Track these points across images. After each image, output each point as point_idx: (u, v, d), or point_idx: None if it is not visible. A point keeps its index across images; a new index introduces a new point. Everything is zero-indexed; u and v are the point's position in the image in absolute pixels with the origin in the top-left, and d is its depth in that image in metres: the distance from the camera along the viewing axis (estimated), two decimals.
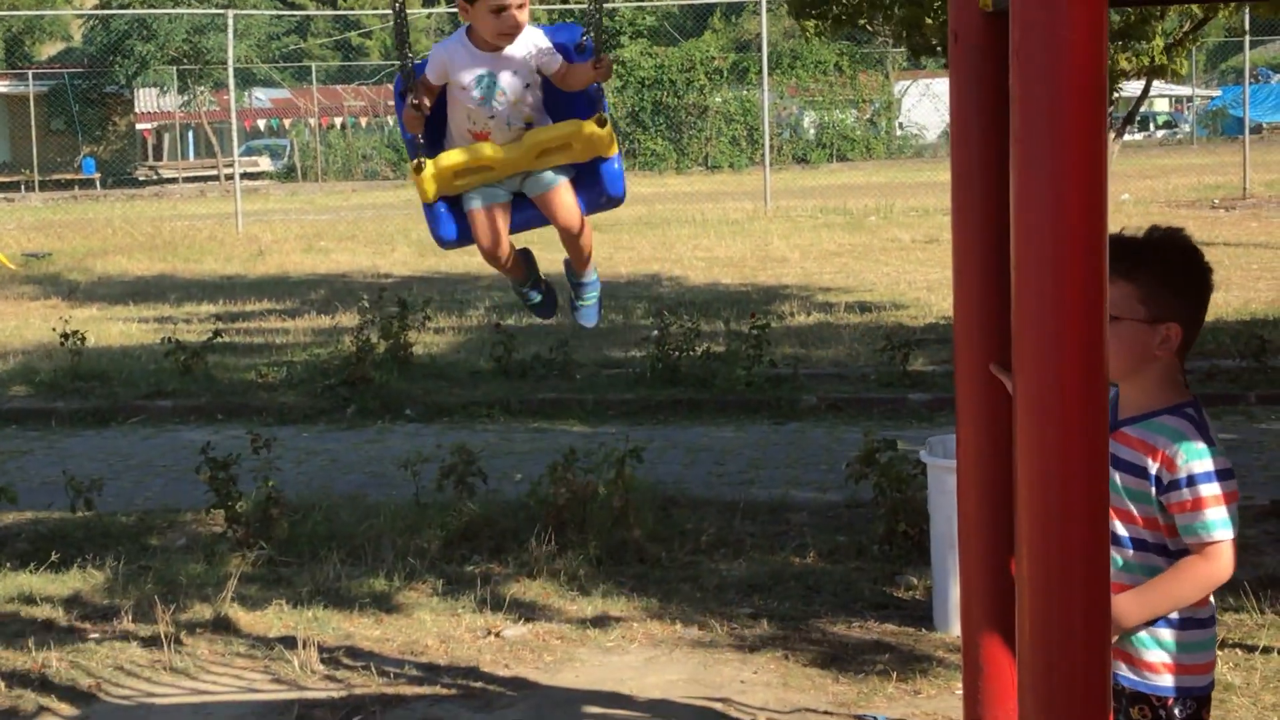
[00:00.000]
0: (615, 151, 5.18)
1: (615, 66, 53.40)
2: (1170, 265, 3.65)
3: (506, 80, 4.97)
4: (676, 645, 6.55)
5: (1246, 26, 31.26)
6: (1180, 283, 3.65)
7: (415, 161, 4.99)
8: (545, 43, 5.02)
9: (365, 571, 7.60)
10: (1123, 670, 3.68)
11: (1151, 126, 59.56)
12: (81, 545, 8.18)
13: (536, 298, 5.63)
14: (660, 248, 23.41)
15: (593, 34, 4.99)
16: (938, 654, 6.26)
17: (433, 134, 5.08)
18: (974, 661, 4.21)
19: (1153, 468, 3.56)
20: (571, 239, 5.25)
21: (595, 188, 5.20)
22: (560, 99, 5.12)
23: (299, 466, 10.40)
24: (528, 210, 5.20)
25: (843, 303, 16.75)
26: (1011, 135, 2.95)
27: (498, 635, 6.71)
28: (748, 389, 12.21)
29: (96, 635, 6.84)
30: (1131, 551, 3.64)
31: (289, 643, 6.60)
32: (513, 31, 4.90)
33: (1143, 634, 3.65)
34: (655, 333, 13.08)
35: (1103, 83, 2.87)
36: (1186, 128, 58.29)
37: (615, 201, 5.27)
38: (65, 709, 6.03)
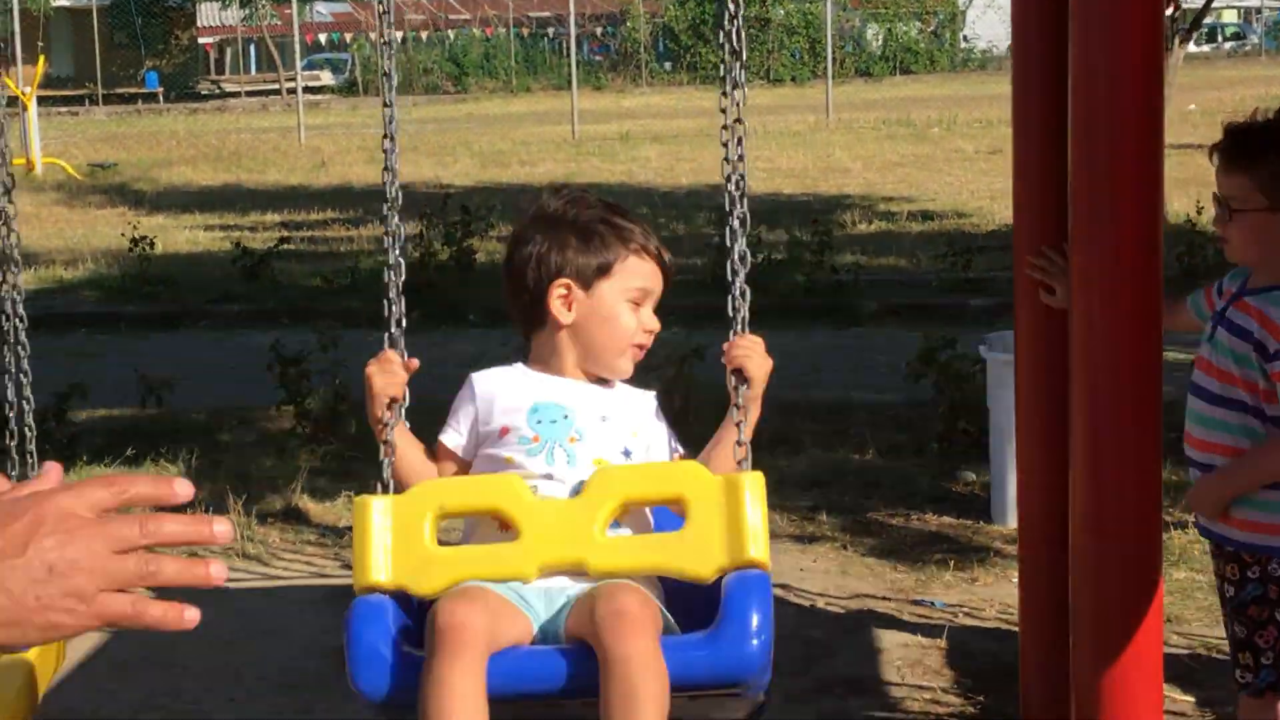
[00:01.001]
0: (764, 559, 2.78)
1: None
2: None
3: (590, 424, 3.01)
4: None
5: None
6: None
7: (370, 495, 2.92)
8: (660, 418, 3.17)
9: None
10: (1219, 528, 3.79)
11: (1219, 38, 58.88)
12: (155, 441, 8.36)
13: None
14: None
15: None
16: (995, 544, 6.35)
17: None
18: (1031, 541, 4.31)
19: (1257, 333, 3.67)
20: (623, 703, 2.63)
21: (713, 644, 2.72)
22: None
23: (364, 367, 10.56)
24: (560, 664, 2.74)
25: (905, 211, 16.77)
26: (1070, 39, 3.02)
27: None
28: (809, 295, 12.27)
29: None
30: (1228, 411, 3.76)
31: None
32: (644, 347, 3.15)
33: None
34: (715, 239, 13.13)
35: None
36: (1255, 39, 57.61)
37: (748, 679, 2.73)
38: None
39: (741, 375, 2.94)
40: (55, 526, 1.51)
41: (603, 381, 3.11)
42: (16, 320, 3.47)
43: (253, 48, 59.11)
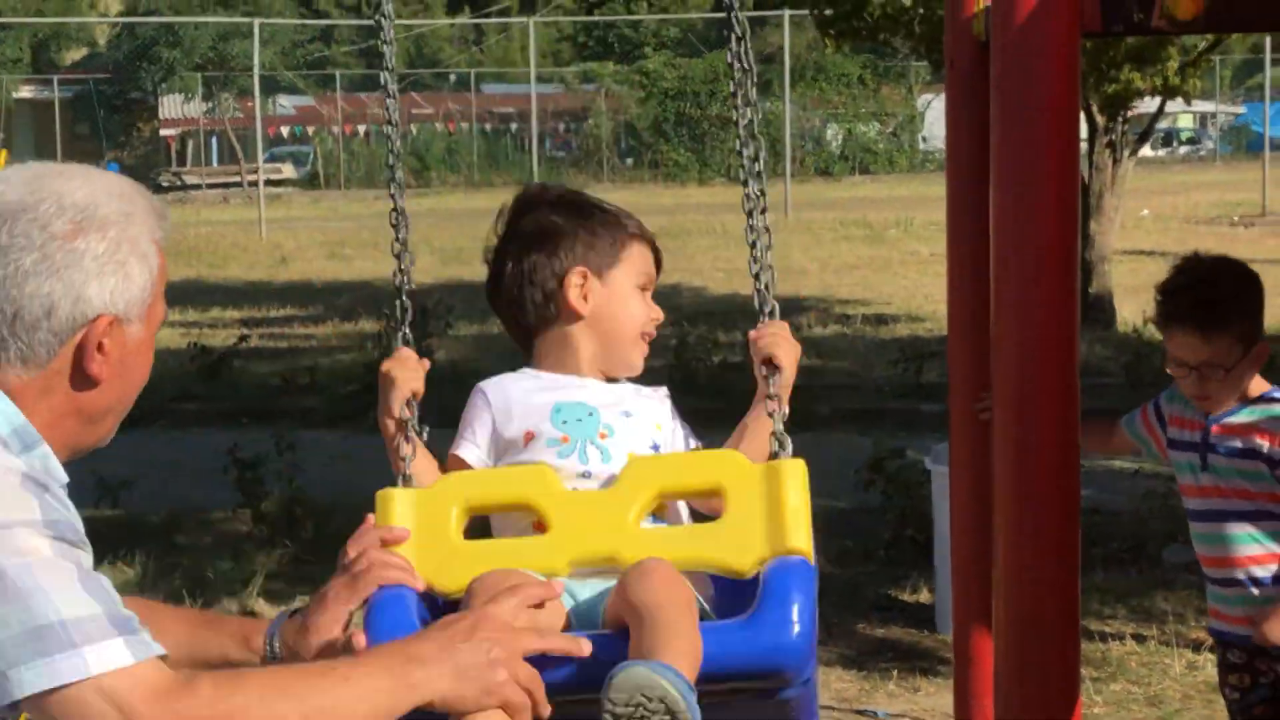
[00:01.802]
0: (806, 548, 2.59)
1: (638, 78, 53.27)
2: (1244, 301, 4.02)
3: (616, 419, 2.83)
4: None
5: (1267, 46, 31.45)
6: (1256, 309, 4.04)
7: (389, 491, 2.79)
8: (674, 411, 2.96)
9: None
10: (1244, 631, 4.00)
11: (1175, 143, 59.65)
12: (111, 542, 8.41)
13: None
14: (681, 258, 23.62)
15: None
16: (940, 653, 6.47)
17: None
18: (964, 652, 4.43)
19: (1265, 447, 3.92)
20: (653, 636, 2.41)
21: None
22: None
23: (323, 469, 10.62)
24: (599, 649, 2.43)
25: (860, 315, 16.97)
26: (991, 160, 3.18)
27: None
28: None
29: None
30: (1253, 524, 3.98)
31: None
32: (651, 336, 2.99)
33: (1247, 596, 3.98)
34: (674, 342, 13.26)
35: (1075, 111, 3.09)
36: (1210, 144, 58.38)
37: (788, 667, 2.45)
38: None
39: (773, 364, 2.81)
40: (493, 629, 2.31)
41: (613, 381, 2.93)
42: None
43: (215, 140, 59.37)
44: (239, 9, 51.34)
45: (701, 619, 2.47)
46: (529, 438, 2.79)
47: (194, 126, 57.46)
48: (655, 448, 2.81)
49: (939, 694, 6.03)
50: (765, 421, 2.74)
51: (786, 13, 32.63)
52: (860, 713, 5.90)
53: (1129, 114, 15.34)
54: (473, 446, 2.87)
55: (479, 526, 2.77)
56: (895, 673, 6.27)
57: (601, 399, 2.84)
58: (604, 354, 2.90)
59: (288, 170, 53.85)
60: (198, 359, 13.68)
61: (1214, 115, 59.50)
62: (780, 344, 2.82)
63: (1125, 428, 4.27)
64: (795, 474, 2.63)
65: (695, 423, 10.18)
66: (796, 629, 2.42)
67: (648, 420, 2.85)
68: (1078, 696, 3.34)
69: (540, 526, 2.66)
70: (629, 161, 53.78)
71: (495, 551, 2.64)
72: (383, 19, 3.16)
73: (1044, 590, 3.25)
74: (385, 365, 2.90)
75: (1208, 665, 5.94)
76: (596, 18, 56.14)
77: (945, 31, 4.20)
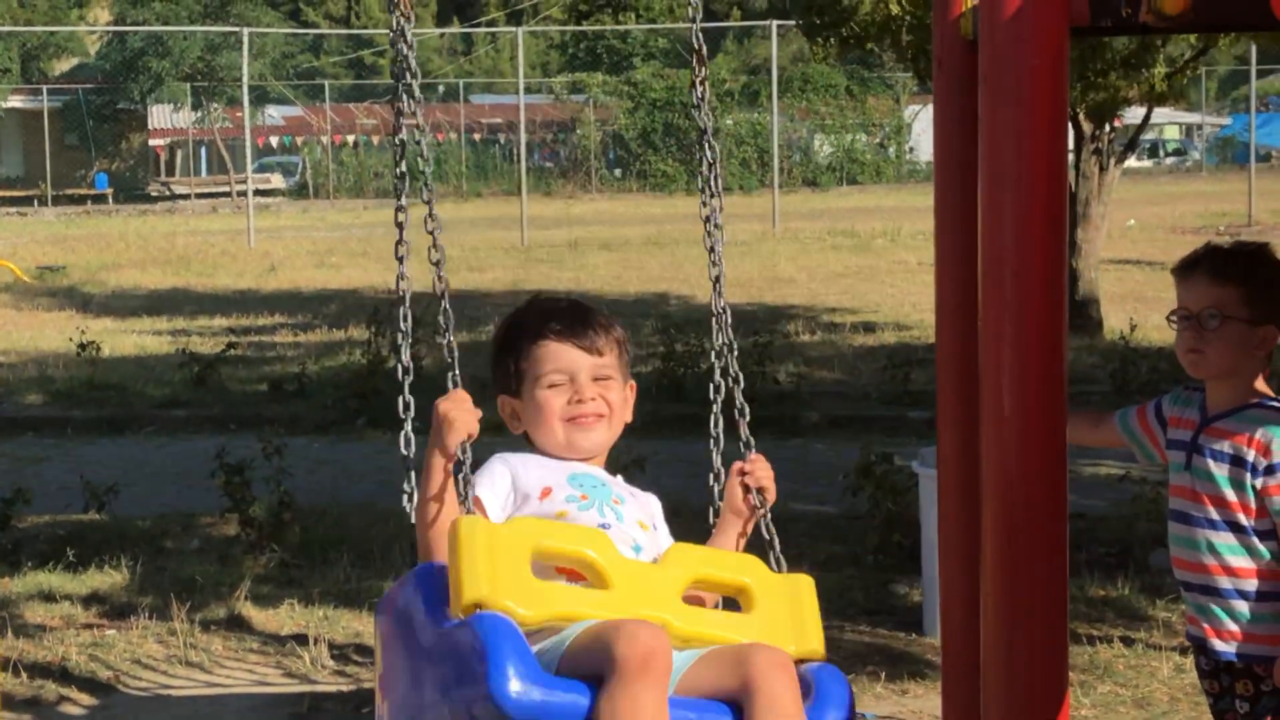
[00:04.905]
0: (821, 653, 3.12)
1: (627, 88, 53.34)
2: (1269, 273, 3.91)
3: (623, 492, 3.28)
4: None
5: (1253, 56, 31.53)
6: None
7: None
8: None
9: (375, 574, 7.82)
10: (1216, 643, 3.94)
11: (1161, 153, 59.76)
12: (99, 546, 8.41)
13: None
14: (669, 267, 23.66)
15: None
16: (927, 656, 6.47)
17: None
18: (952, 654, 4.43)
19: (1250, 455, 3.83)
20: None
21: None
22: None
23: (310, 475, 10.62)
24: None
25: (847, 323, 17.00)
26: (980, 156, 3.19)
27: None
28: (750, 404, 12.40)
29: (114, 630, 7.07)
30: (1226, 534, 3.89)
31: (300, 640, 6.83)
32: (589, 428, 3.26)
33: (1219, 607, 3.92)
34: (661, 349, 13.26)
35: (1063, 106, 3.10)
36: (1196, 155, 58.50)
37: None
38: (85, 699, 6.26)
39: (763, 495, 3.35)
40: None
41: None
42: None
43: (204, 150, 59.30)
44: (228, 19, 51.22)
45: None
46: (546, 492, 3.11)
47: (183, 136, 57.41)
48: (637, 550, 3.10)
49: (927, 696, 6.04)
50: (733, 539, 3.27)
51: (774, 23, 32.63)
52: None
53: (1115, 123, 15.38)
54: (490, 490, 3.13)
55: None
56: (884, 675, 6.27)
57: (608, 478, 3.25)
58: (553, 447, 3.25)
59: (276, 180, 53.82)
60: (186, 366, 13.67)
61: (1200, 127, 59.63)
62: (770, 477, 3.35)
63: (1118, 422, 4.22)
64: (811, 589, 3.16)
65: (680, 429, 10.15)
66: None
67: (639, 512, 3.22)
68: (1065, 698, 3.35)
69: (569, 573, 2.95)
70: (617, 172, 53.82)
71: (569, 594, 2.88)
72: (404, 24, 3.30)
73: (1032, 592, 3.26)
74: (444, 406, 3.10)
75: (1195, 668, 5.95)
76: (585, 27, 56.22)
77: (934, 32, 4.20)
